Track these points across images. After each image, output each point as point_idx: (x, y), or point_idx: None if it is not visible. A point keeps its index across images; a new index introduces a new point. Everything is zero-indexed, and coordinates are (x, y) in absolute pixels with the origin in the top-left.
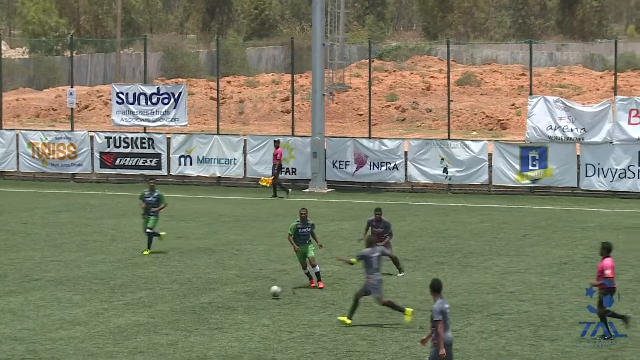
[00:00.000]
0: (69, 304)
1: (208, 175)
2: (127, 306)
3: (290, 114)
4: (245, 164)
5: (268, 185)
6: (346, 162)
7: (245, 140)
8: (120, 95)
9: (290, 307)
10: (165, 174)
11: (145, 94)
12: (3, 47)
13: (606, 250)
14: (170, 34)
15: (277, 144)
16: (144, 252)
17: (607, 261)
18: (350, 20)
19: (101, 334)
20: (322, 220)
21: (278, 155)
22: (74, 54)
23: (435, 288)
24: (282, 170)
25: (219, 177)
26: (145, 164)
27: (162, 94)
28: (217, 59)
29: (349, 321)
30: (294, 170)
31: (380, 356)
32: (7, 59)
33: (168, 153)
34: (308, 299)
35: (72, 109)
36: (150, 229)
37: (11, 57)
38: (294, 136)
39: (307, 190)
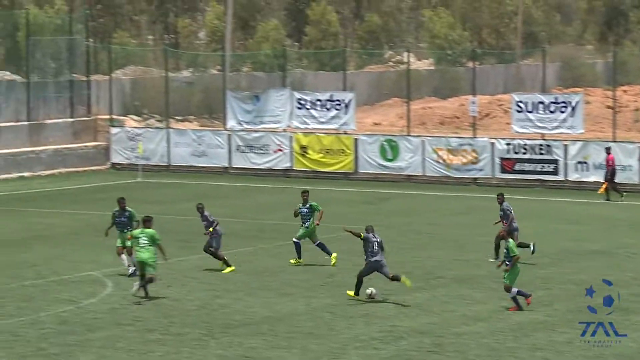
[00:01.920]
0: (471, 300)
1: (604, 181)
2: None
3: None
4: None
5: (602, 193)
6: None
7: None
8: (520, 104)
9: None
10: (562, 179)
11: (543, 103)
12: (411, 59)
13: None
14: (568, 45)
15: (608, 150)
16: (291, 261)
17: None
18: None
19: (502, 330)
20: None
21: (610, 162)
22: (476, 65)
23: None
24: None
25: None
26: (543, 169)
27: (560, 103)
28: (613, 68)
29: (351, 293)
30: None
31: None
32: (415, 70)
33: (565, 159)
34: None
35: (474, 117)
36: (297, 239)
37: (418, 68)
38: None
39: None
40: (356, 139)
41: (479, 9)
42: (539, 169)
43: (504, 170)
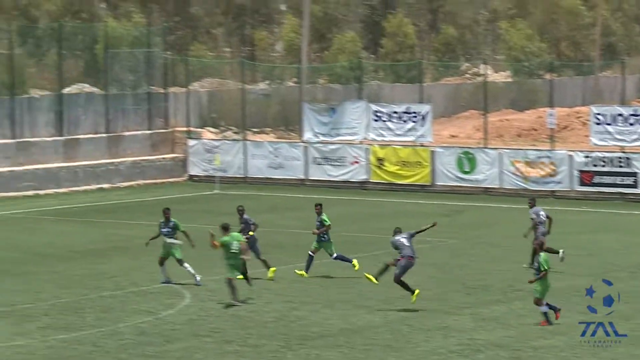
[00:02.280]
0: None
1: None
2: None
3: None
4: None
5: None
6: None
7: None
8: (599, 116)
9: None
10: None
11: (622, 115)
12: (488, 71)
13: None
14: None
15: None
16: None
17: None
18: None
19: (581, 345)
20: None
21: None
22: (554, 77)
23: None
24: None
25: None
26: (622, 182)
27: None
28: None
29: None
30: None
31: None
32: (492, 82)
33: None
34: None
35: (552, 129)
36: (330, 254)
37: (495, 80)
38: None
39: None
40: (433, 151)
41: (557, 21)
42: (618, 182)
43: (582, 183)
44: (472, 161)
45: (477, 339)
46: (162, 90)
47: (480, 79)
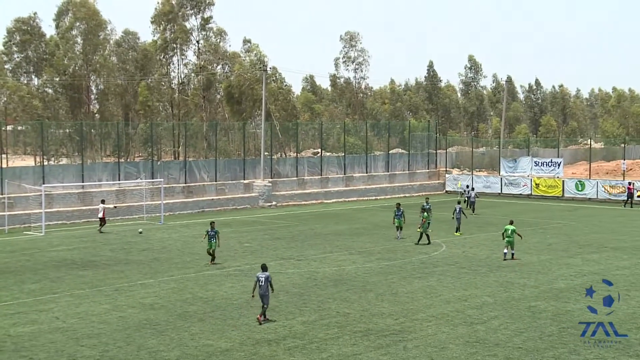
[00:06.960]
0: None
1: None
2: None
3: None
4: None
5: None
6: None
7: None
8: None
9: None
10: None
11: None
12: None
13: None
14: None
15: None
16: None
17: None
18: None
19: None
20: None
21: None
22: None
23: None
24: None
25: None
26: None
27: None
28: None
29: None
30: None
31: None
32: (593, 148)
33: None
34: None
35: (624, 170)
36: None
37: (594, 147)
38: None
39: None
40: (563, 181)
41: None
42: None
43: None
44: (583, 185)
45: None
46: (434, 151)
47: (587, 146)
